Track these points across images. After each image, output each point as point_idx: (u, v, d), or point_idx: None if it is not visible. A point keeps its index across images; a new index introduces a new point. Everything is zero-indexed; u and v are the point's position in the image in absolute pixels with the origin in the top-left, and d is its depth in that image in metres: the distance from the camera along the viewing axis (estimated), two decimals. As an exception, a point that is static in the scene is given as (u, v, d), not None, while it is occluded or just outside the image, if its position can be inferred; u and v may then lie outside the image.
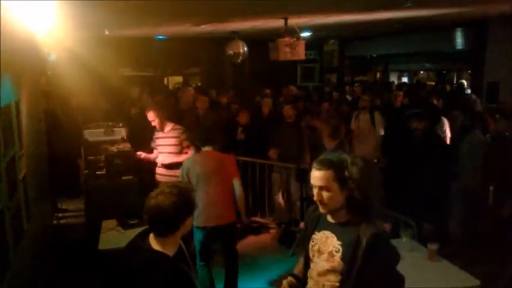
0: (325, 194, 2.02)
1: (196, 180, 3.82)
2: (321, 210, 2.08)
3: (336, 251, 2.04)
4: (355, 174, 2.01)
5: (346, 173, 2.01)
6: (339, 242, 2.04)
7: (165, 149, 4.92)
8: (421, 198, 3.88)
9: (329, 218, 2.12)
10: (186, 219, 1.99)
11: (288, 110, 5.78)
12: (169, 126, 4.95)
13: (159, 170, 4.98)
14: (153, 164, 5.07)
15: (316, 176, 2.03)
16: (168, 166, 4.87)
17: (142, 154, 5.05)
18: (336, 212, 2.07)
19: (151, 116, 4.86)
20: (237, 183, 3.95)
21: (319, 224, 2.17)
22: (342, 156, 2.07)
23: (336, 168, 2.01)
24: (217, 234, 3.89)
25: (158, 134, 4.96)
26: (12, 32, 3.40)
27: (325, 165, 2.02)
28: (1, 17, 2.78)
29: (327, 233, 2.11)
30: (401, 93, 7.42)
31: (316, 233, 2.16)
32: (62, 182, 5.97)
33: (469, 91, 9.13)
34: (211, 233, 3.86)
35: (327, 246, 2.09)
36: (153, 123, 4.91)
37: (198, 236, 3.87)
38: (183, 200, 1.95)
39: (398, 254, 2.14)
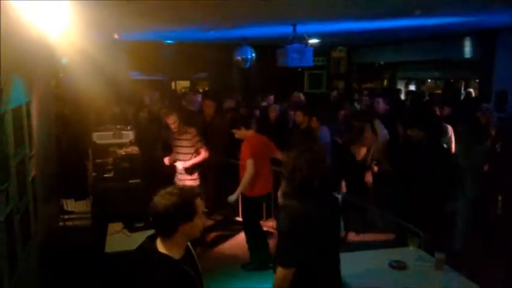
0: None
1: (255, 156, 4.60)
2: None
3: None
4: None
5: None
6: None
7: (182, 151, 5.17)
8: (421, 206, 3.85)
9: None
10: (182, 221, 1.93)
11: (299, 116, 5.73)
12: (183, 130, 5.18)
13: (181, 177, 5.20)
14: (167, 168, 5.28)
15: None
16: (189, 171, 5.14)
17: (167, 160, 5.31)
18: None
19: (171, 119, 5.10)
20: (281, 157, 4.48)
21: None
22: None
23: None
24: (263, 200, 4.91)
25: (174, 140, 5.26)
26: (25, 34, 3.45)
27: None
28: (14, 18, 2.82)
29: None
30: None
31: None
32: (69, 183, 6.00)
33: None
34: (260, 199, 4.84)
35: None
36: (172, 126, 5.15)
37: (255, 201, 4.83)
38: (180, 202, 1.91)
39: None
